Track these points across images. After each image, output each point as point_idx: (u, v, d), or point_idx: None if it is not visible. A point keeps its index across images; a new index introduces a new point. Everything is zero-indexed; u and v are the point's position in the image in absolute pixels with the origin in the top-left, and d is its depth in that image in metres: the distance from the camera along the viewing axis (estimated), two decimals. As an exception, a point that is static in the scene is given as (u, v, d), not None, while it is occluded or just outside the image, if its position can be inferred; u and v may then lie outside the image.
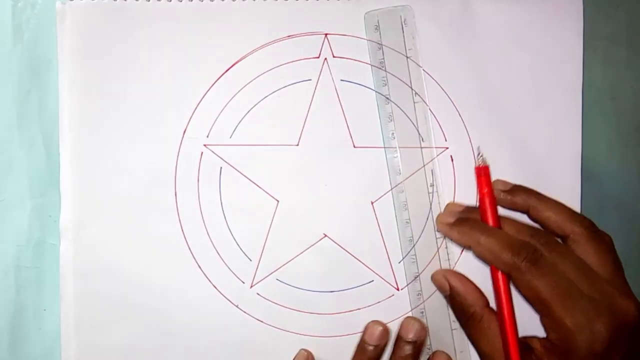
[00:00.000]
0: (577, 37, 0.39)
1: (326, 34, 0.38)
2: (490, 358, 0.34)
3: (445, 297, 0.37)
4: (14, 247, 0.37)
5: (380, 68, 0.38)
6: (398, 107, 0.38)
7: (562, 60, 0.39)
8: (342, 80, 0.38)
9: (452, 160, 0.38)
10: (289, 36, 0.37)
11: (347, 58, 0.38)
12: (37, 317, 0.38)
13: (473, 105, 0.38)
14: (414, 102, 0.38)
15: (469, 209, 0.37)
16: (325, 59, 0.38)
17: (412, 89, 0.38)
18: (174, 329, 0.37)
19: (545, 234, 0.34)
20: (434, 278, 0.37)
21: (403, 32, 0.38)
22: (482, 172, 0.36)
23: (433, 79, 0.38)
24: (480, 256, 0.35)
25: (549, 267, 0.32)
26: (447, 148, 0.38)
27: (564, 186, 0.39)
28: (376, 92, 0.38)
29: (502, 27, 0.39)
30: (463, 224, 0.36)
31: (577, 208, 0.39)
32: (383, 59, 0.38)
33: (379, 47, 0.38)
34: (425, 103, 0.38)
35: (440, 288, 0.37)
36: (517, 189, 0.37)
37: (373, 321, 0.36)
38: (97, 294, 0.37)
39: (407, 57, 0.38)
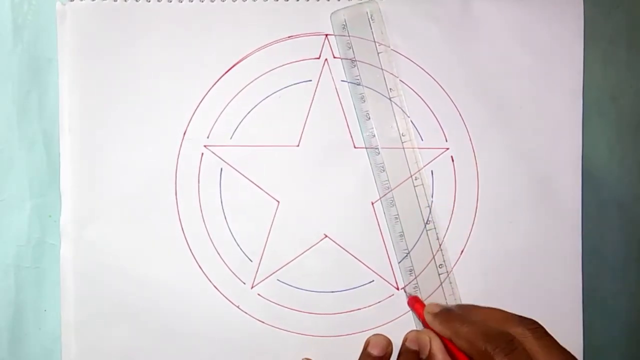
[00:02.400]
0: (577, 37, 0.39)
1: (326, 35, 0.38)
2: None
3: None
4: (14, 247, 0.37)
5: (352, 67, 0.38)
6: (374, 105, 0.38)
7: (562, 60, 0.39)
8: (342, 80, 0.38)
9: (452, 160, 0.38)
10: (289, 37, 0.37)
11: (347, 59, 0.38)
12: (37, 317, 0.38)
13: (473, 106, 0.38)
14: (390, 98, 0.38)
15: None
16: (326, 59, 0.38)
17: (387, 86, 0.38)
18: (174, 330, 0.37)
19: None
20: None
21: (371, 28, 0.38)
22: (416, 301, 0.37)
23: (433, 79, 0.38)
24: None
25: None
26: (448, 149, 0.38)
27: (564, 186, 0.39)
28: (351, 92, 0.38)
29: (502, 27, 0.39)
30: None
31: (577, 208, 0.39)
32: (354, 57, 0.38)
33: (349, 46, 0.38)
34: (402, 98, 0.38)
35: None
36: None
37: (375, 334, 0.37)
38: (97, 294, 0.37)
39: (378, 53, 0.38)
